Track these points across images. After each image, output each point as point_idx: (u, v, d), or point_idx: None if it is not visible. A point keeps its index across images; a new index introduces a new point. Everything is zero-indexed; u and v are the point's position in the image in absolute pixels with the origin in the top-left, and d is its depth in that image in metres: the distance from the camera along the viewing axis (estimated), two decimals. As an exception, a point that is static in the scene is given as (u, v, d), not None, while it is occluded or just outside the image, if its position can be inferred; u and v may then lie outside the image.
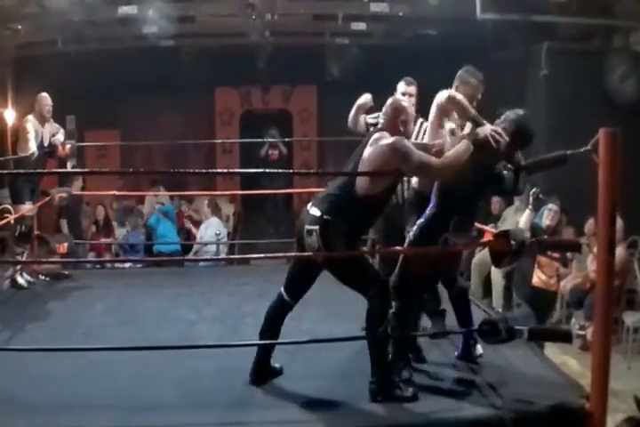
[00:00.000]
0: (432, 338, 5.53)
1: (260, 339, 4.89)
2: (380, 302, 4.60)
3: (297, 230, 4.78)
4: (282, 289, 4.93)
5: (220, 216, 12.64)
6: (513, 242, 4.66)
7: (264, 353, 4.90)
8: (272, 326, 4.90)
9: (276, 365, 4.99)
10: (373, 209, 4.78)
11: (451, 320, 5.52)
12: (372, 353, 4.64)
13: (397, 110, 4.80)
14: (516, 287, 8.09)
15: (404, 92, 6.05)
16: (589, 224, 9.44)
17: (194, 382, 4.92)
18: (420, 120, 6.07)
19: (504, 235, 4.76)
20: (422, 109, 6.19)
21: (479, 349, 5.28)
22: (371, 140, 4.71)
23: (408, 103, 5.23)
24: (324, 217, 4.57)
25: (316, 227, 4.56)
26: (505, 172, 4.64)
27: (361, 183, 4.60)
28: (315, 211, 4.63)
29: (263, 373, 4.90)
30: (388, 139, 4.63)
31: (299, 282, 4.93)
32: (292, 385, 4.86)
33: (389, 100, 4.91)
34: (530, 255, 7.57)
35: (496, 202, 11.08)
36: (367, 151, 4.66)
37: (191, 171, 5.12)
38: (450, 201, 4.88)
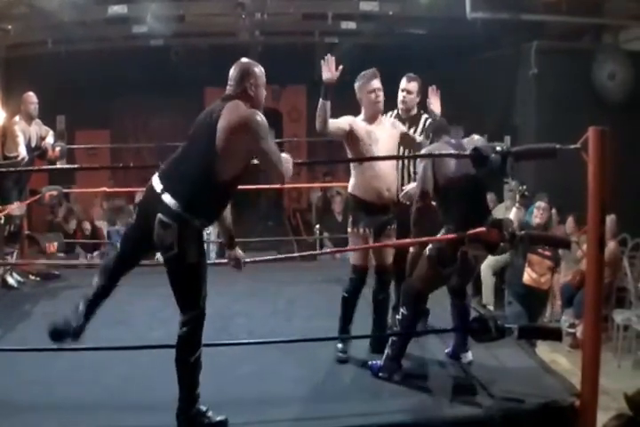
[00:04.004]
0: (416, 337, 5.55)
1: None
2: (194, 329, 4.36)
3: (141, 208, 4.32)
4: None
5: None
6: (505, 232, 4.66)
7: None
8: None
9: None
10: (228, 197, 4.31)
11: (438, 320, 5.55)
12: (181, 382, 4.33)
13: (245, 72, 4.25)
14: (507, 285, 8.12)
15: (404, 89, 6.05)
16: (569, 222, 9.46)
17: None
18: (425, 117, 6.08)
19: (497, 224, 4.75)
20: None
21: (469, 356, 5.29)
22: (224, 111, 4.15)
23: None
24: (184, 214, 4.02)
25: (175, 224, 4.03)
26: (492, 155, 4.61)
27: (222, 165, 4.03)
28: (168, 198, 4.03)
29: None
30: (242, 110, 4.11)
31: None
32: (284, 384, 4.87)
33: (235, 64, 4.34)
34: (521, 253, 7.61)
35: (489, 200, 11.07)
36: (222, 123, 4.09)
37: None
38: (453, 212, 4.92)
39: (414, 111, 6.13)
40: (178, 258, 4.18)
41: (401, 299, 5.14)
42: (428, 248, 5.00)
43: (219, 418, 4.27)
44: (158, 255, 10.74)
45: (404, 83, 6.08)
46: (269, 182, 4.28)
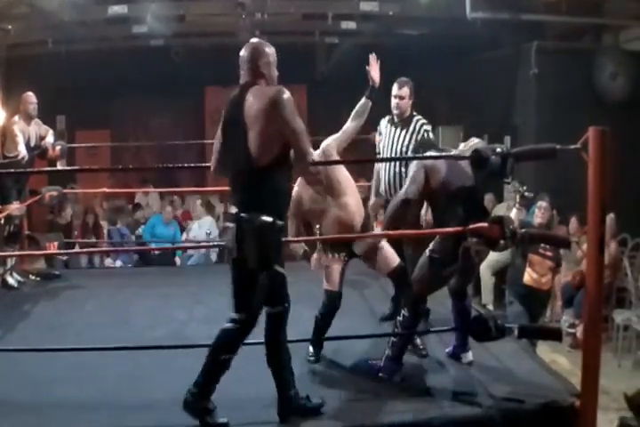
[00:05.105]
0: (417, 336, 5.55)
1: (272, 370, 4.36)
2: (240, 332, 4.22)
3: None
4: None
5: (212, 215, 12.63)
6: (506, 229, 4.66)
7: (284, 385, 4.36)
8: (275, 350, 4.36)
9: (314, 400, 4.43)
10: (280, 186, 4.15)
11: (439, 320, 5.55)
12: (203, 369, 4.25)
13: (256, 51, 4.23)
14: (508, 285, 8.11)
15: (397, 95, 6.13)
16: (572, 222, 9.48)
17: (185, 381, 4.91)
18: (416, 118, 6.14)
19: (497, 221, 4.75)
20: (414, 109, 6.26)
21: (469, 356, 5.28)
22: (248, 97, 4.08)
23: None
24: (242, 214, 3.99)
25: (233, 224, 4.03)
26: (492, 157, 4.61)
27: (259, 152, 3.99)
28: (233, 209, 4.08)
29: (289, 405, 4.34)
30: (266, 90, 4.07)
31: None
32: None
33: (245, 45, 4.31)
34: (521, 253, 7.61)
35: (488, 201, 11.09)
36: (249, 109, 4.03)
37: (179, 166, 5.08)
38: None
39: (407, 114, 6.23)
40: (238, 261, 4.09)
41: (402, 300, 5.15)
42: (428, 249, 5.00)
43: (221, 420, 4.23)
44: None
45: (395, 89, 6.16)
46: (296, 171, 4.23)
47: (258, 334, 4.92)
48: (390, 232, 5.22)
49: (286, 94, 4.01)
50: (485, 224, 4.67)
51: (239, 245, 4.01)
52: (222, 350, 4.22)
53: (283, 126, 3.97)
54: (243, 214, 3.99)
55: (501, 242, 4.75)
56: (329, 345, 5.31)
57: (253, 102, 4.02)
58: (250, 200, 4.03)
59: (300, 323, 4.91)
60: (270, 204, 4.03)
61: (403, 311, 5.01)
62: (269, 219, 3.95)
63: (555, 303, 9.32)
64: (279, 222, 3.99)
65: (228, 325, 4.21)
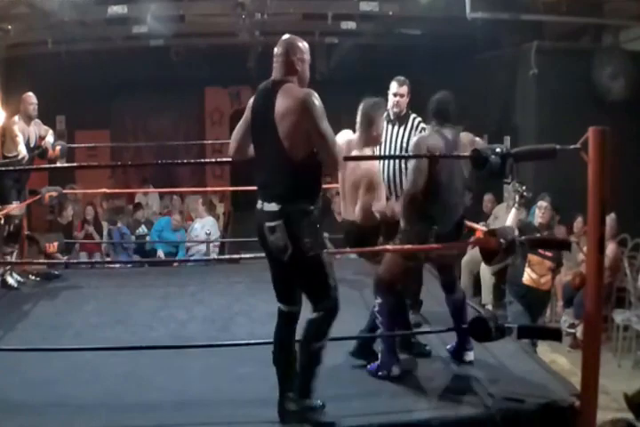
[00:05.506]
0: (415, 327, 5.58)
1: (277, 369, 4.31)
2: (326, 318, 4.18)
3: (260, 240, 4.20)
4: (277, 302, 4.34)
5: (213, 215, 12.64)
6: (502, 240, 4.67)
7: (287, 385, 4.29)
8: (284, 350, 4.31)
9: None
10: (318, 176, 4.23)
11: (439, 320, 5.54)
12: (301, 370, 4.25)
13: (290, 46, 4.21)
14: (508, 285, 8.11)
15: (396, 93, 6.17)
16: (578, 222, 9.49)
17: (185, 381, 4.92)
18: (413, 116, 6.19)
19: (494, 233, 4.77)
20: (413, 108, 6.27)
21: (471, 355, 5.28)
22: (279, 95, 4.07)
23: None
24: (284, 209, 4.02)
25: (279, 221, 4.01)
26: (492, 157, 4.62)
27: (293, 148, 4.02)
28: (267, 206, 4.06)
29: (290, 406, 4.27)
30: (296, 91, 4.08)
31: (282, 284, 4.34)
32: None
33: (280, 41, 4.28)
34: (521, 253, 7.61)
35: (488, 201, 11.11)
36: (279, 108, 4.03)
37: (180, 162, 5.07)
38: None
39: (404, 111, 6.29)
40: (296, 255, 4.06)
41: (373, 289, 5.15)
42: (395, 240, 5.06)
43: (328, 420, 4.22)
44: (160, 253, 10.87)
45: (395, 87, 6.20)
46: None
47: (258, 333, 4.95)
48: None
49: (316, 99, 4.04)
50: (482, 237, 4.69)
51: (295, 238, 4.02)
52: (312, 339, 4.20)
53: (311, 131, 4.00)
54: (289, 207, 4.02)
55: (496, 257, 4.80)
56: (328, 345, 5.31)
57: (283, 102, 4.04)
58: (291, 192, 4.05)
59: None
60: (310, 194, 4.12)
61: (376, 300, 5.03)
62: (313, 207, 4.08)
63: (555, 303, 9.32)
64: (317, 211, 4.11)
65: (313, 315, 4.19)
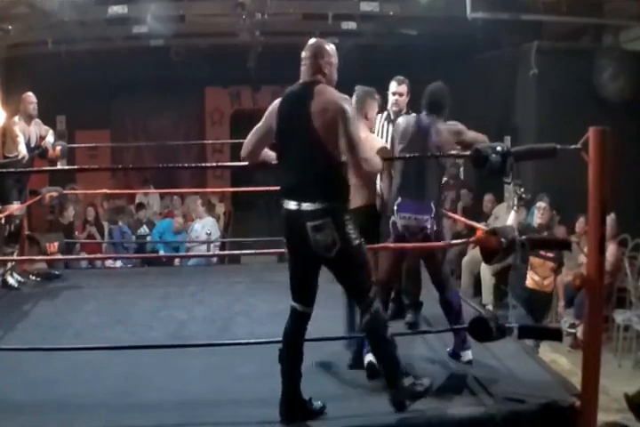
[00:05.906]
0: (411, 328, 5.64)
1: (282, 368, 4.32)
2: (380, 303, 4.31)
3: (290, 238, 4.27)
4: (292, 302, 4.43)
5: (213, 215, 12.64)
6: (503, 239, 4.66)
7: (289, 385, 4.33)
8: (292, 349, 4.35)
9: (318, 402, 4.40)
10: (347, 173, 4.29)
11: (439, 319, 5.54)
12: (388, 362, 4.32)
13: (318, 50, 4.22)
14: (510, 288, 8.11)
15: (395, 92, 6.19)
16: (580, 222, 9.47)
17: (185, 381, 4.92)
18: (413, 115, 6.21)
19: (494, 232, 4.76)
20: (413, 108, 6.27)
21: (469, 354, 5.27)
22: (315, 96, 4.10)
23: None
24: (329, 207, 4.07)
25: (327, 219, 4.05)
26: (492, 155, 4.61)
27: (333, 147, 4.09)
28: (307, 206, 4.07)
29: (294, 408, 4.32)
30: (330, 94, 4.13)
31: (305, 285, 4.41)
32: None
33: (308, 44, 4.29)
34: (523, 257, 7.60)
35: (488, 201, 11.12)
36: (315, 108, 4.07)
37: (179, 165, 5.09)
38: None
39: (404, 111, 6.30)
40: (344, 249, 4.12)
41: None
42: None
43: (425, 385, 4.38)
44: (163, 251, 10.83)
45: (394, 86, 6.23)
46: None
47: (258, 333, 4.94)
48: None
49: (352, 106, 4.18)
50: (482, 236, 4.68)
51: (342, 232, 4.10)
52: (385, 329, 4.27)
53: (345, 135, 4.05)
54: (333, 204, 4.09)
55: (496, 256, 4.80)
56: (327, 346, 5.30)
57: (321, 103, 4.07)
58: (332, 190, 4.12)
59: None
60: (347, 189, 4.24)
61: None
62: (348, 204, 4.24)
63: (557, 303, 9.31)
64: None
65: (368, 312, 4.24)
